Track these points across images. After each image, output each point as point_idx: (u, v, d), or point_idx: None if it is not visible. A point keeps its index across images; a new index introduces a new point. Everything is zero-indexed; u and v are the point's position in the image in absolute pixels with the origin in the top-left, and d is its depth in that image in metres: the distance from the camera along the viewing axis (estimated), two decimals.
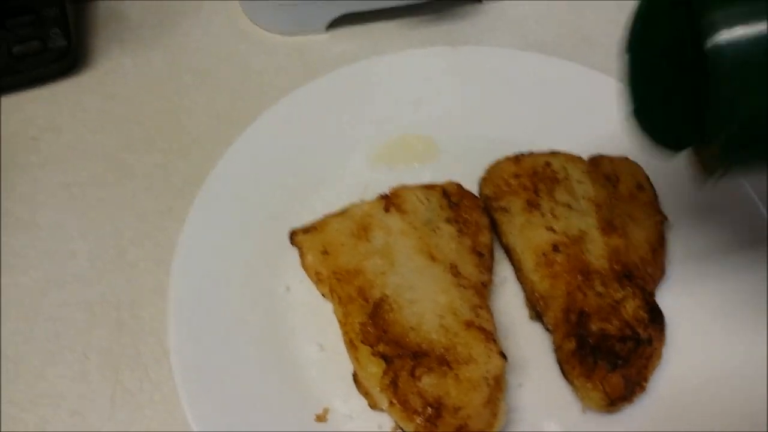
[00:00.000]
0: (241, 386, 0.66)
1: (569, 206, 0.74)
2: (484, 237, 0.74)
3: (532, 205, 0.74)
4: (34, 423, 0.67)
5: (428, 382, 0.63)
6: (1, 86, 0.88)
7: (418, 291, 0.68)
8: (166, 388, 0.69)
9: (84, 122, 0.87)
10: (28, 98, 0.88)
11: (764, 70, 0.48)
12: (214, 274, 0.72)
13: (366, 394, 0.66)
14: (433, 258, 0.70)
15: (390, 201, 0.74)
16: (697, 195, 0.74)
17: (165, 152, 0.84)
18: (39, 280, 0.75)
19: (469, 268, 0.70)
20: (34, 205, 0.80)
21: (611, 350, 0.65)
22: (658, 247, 0.72)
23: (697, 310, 0.71)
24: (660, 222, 0.73)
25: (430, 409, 0.62)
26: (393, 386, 0.63)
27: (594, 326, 0.66)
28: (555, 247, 0.71)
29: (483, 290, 0.70)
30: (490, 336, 0.65)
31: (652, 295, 0.69)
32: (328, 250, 0.71)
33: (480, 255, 0.72)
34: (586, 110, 0.81)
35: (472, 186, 0.77)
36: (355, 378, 0.67)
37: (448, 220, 0.73)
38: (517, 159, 0.77)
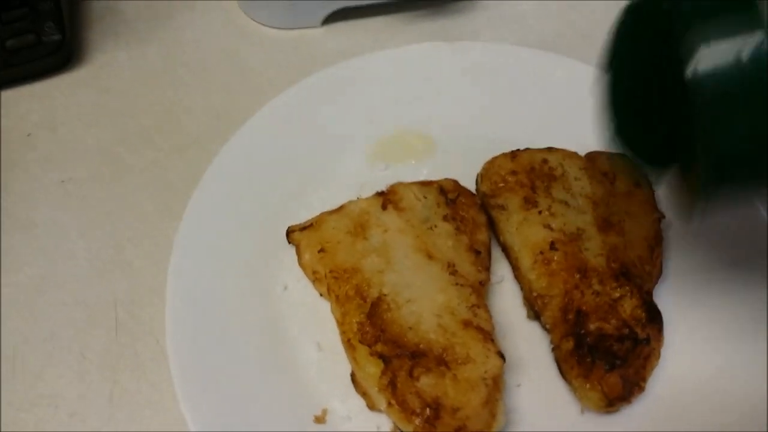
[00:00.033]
0: (239, 386, 0.66)
1: (566, 203, 0.73)
2: (482, 235, 0.74)
3: (529, 203, 0.73)
4: (33, 423, 0.68)
5: (426, 383, 0.63)
6: None
7: (415, 290, 0.68)
8: (164, 389, 0.69)
9: (79, 118, 0.86)
10: (23, 94, 0.88)
11: (744, 101, 0.48)
12: (211, 273, 0.72)
13: (364, 394, 0.66)
14: (430, 256, 0.70)
15: (387, 198, 0.74)
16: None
17: (161, 148, 0.84)
18: (36, 279, 0.75)
19: (466, 266, 0.70)
20: (30, 203, 0.80)
21: (609, 350, 0.65)
22: (656, 245, 0.72)
23: (695, 310, 0.71)
24: (657, 219, 0.73)
25: (428, 410, 0.62)
26: (391, 386, 0.63)
27: (592, 325, 0.66)
28: (552, 245, 0.70)
29: (480, 289, 0.70)
30: (488, 336, 0.65)
31: (649, 294, 0.69)
32: (325, 248, 0.71)
33: (477, 253, 0.72)
34: (584, 107, 0.80)
35: (469, 182, 0.77)
36: (353, 378, 0.67)
37: (446, 218, 0.73)
38: (514, 155, 0.77)
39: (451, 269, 0.69)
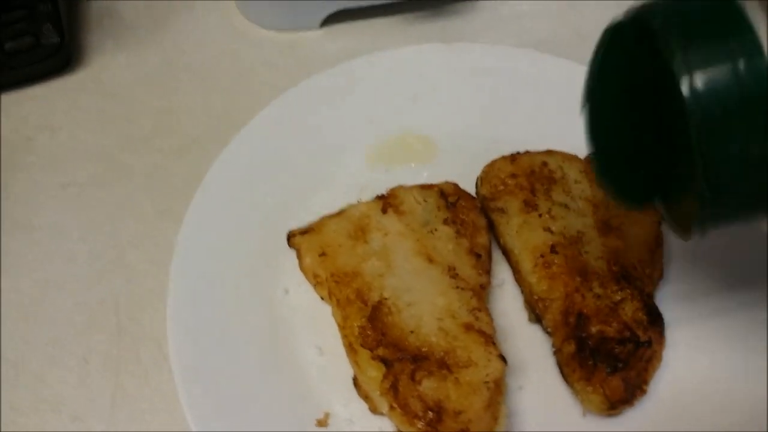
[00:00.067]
0: (241, 390, 0.66)
1: (566, 206, 0.73)
2: (482, 238, 0.74)
3: (529, 206, 0.73)
4: (35, 427, 0.68)
5: (428, 386, 0.63)
6: None
7: (416, 293, 0.68)
8: (166, 392, 0.68)
9: (79, 121, 0.86)
10: (23, 97, 0.88)
11: (743, 122, 0.47)
12: (212, 276, 0.72)
13: (366, 397, 0.66)
14: (430, 260, 0.70)
15: (387, 202, 0.74)
16: None
17: (161, 151, 0.84)
18: (38, 283, 0.75)
19: (467, 269, 0.70)
20: (31, 206, 0.80)
21: (611, 353, 0.65)
22: (656, 248, 0.72)
23: (697, 312, 0.71)
24: (658, 222, 0.73)
25: (430, 413, 0.62)
26: (393, 390, 0.63)
27: (593, 328, 0.66)
28: (552, 248, 0.71)
29: (481, 292, 0.70)
30: (489, 339, 0.66)
31: (650, 296, 0.69)
32: (326, 252, 0.71)
33: (478, 256, 0.72)
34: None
35: (469, 185, 0.77)
36: (355, 382, 0.67)
37: (446, 222, 0.73)
38: (513, 158, 0.77)
39: (452, 272, 0.70)
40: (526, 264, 0.71)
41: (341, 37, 0.94)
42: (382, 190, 0.75)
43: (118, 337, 0.72)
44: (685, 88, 0.47)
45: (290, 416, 0.66)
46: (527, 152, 0.78)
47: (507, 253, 0.74)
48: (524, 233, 0.72)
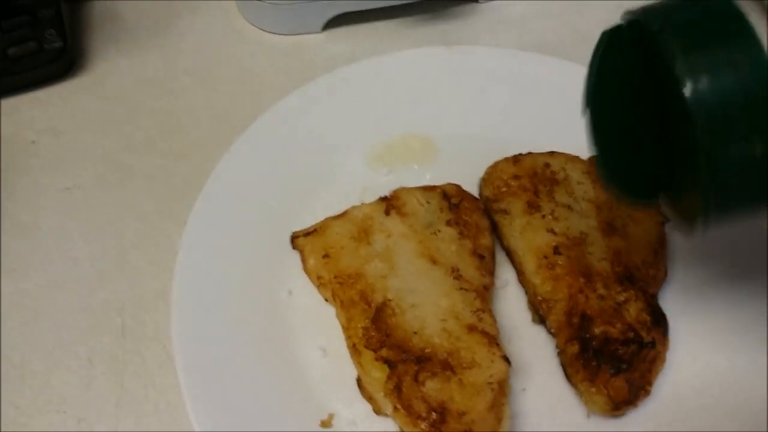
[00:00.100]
0: (246, 392, 0.66)
1: (569, 207, 0.74)
2: (485, 239, 0.74)
3: (533, 207, 0.74)
4: (40, 428, 0.67)
5: (432, 387, 0.63)
6: None
7: (419, 295, 0.68)
8: (170, 394, 0.68)
9: (82, 124, 0.87)
10: (26, 101, 0.88)
11: (746, 121, 0.47)
12: (215, 278, 0.72)
13: (370, 399, 0.66)
14: (434, 261, 0.70)
15: (390, 203, 0.74)
16: None
17: (164, 154, 0.84)
18: (42, 286, 0.75)
19: (470, 271, 0.70)
20: (34, 209, 0.80)
21: (614, 354, 0.65)
22: (660, 249, 0.72)
23: (700, 313, 0.71)
24: (661, 223, 0.73)
25: (434, 414, 0.62)
26: (397, 391, 0.63)
27: (597, 329, 0.66)
28: (556, 250, 0.71)
29: (485, 293, 0.70)
30: (493, 340, 0.66)
31: (654, 297, 0.69)
32: (330, 254, 0.71)
33: (481, 258, 0.72)
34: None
35: (471, 187, 0.78)
36: (359, 383, 0.67)
37: (449, 223, 0.73)
38: (516, 160, 0.77)
39: (455, 274, 0.70)
40: (530, 265, 0.71)
41: (343, 40, 0.94)
42: (385, 191, 0.75)
43: (123, 339, 0.72)
44: (687, 91, 0.47)
45: (294, 417, 0.66)
46: (530, 153, 0.78)
47: (510, 255, 0.74)
48: (527, 234, 0.73)
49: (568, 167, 0.77)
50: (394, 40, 0.94)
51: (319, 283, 0.72)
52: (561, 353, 0.68)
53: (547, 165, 0.77)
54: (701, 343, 0.69)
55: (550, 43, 0.93)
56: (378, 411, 0.66)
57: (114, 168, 0.83)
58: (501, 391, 0.63)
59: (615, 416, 0.66)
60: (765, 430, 0.64)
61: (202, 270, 0.72)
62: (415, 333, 0.66)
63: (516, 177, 0.76)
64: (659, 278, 0.71)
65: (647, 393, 0.65)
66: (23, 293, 0.74)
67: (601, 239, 0.71)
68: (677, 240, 0.74)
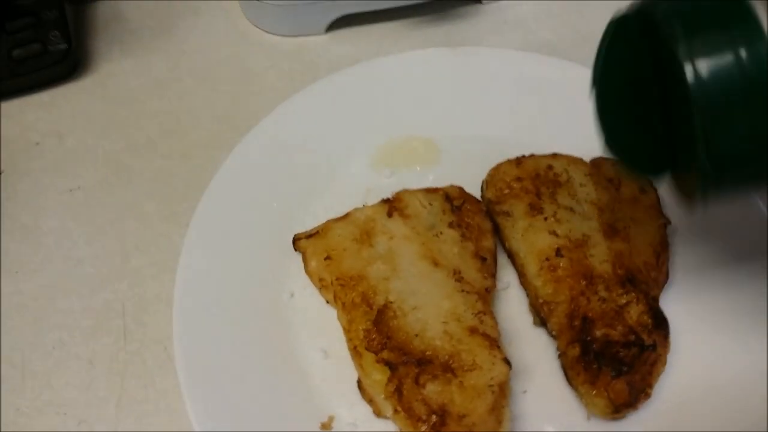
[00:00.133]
0: (247, 394, 0.66)
1: (572, 210, 0.73)
2: (487, 241, 0.74)
3: (535, 209, 0.74)
4: (41, 430, 0.68)
5: (433, 390, 0.63)
6: (1, 90, 0.88)
7: (421, 297, 0.68)
8: (171, 395, 0.69)
9: (86, 126, 0.87)
10: (30, 103, 0.88)
11: (744, 102, 0.48)
12: (217, 280, 0.72)
13: (371, 401, 0.66)
14: (436, 263, 0.70)
15: (393, 205, 0.74)
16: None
17: (166, 155, 0.84)
18: (43, 287, 0.75)
19: (472, 273, 0.70)
20: (37, 211, 0.80)
21: (615, 356, 0.65)
22: (662, 251, 0.72)
23: (701, 315, 0.71)
24: (663, 225, 0.73)
25: (434, 417, 0.62)
26: (397, 393, 0.63)
27: (598, 332, 0.66)
28: (558, 252, 0.71)
29: (486, 296, 0.70)
30: (494, 342, 0.65)
31: (656, 300, 0.69)
32: (332, 256, 0.71)
33: (483, 260, 0.72)
34: (588, 112, 0.81)
35: (474, 189, 0.77)
36: (360, 385, 0.67)
37: (451, 225, 0.73)
38: (519, 162, 0.77)
39: (457, 276, 0.70)
40: (532, 267, 0.71)
41: (347, 41, 0.94)
42: (388, 193, 0.75)
43: (124, 341, 0.72)
44: (688, 74, 0.48)
45: (294, 419, 0.66)
46: (532, 155, 0.78)
47: (512, 257, 0.74)
48: (529, 236, 0.72)
49: (571, 169, 0.76)
50: (398, 41, 0.94)
51: (321, 285, 0.71)
52: (562, 356, 0.68)
53: (550, 167, 0.76)
54: (702, 346, 0.69)
55: (554, 44, 0.93)
56: (378, 413, 0.66)
57: (116, 169, 0.83)
58: (502, 394, 0.63)
59: (615, 419, 0.65)
60: None
61: (203, 271, 0.72)
62: (417, 335, 0.66)
63: (518, 179, 0.76)
64: (661, 281, 0.71)
65: (648, 396, 0.65)
66: (24, 294, 0.75)
67: (603, 242, 0.71)
68: (679, 243, 0.74)
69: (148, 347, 0.72)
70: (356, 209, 0.74)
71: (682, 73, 0.48)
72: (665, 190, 0.74)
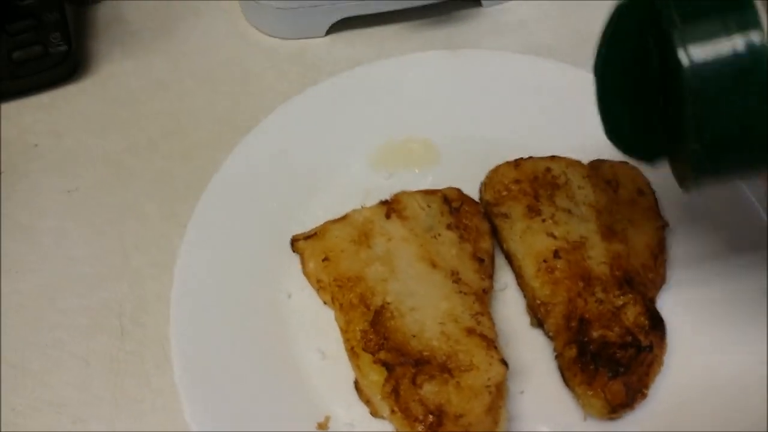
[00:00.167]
0: (244, 393, 0.66)
1: (570, 212, 0.73)
2: (485, 243, 0.74)
3: (533, 211, 0.74)
4: (36, 429, 0.68)
5: (430, 390, 0.63)
6: (1, 92, 0.88)
7: (419, 298, 0.68)
8: (168, 395, 0.68)
9: (86, 127, 0.87)
10: (29, 104, 0.89)
11: (736, 87, 0.49)
12: (215, 280, 0.72)
13: (367, 401, 0.66)
14: (434, 265, 0.70)
15: (391, 207, 0.74)
16: (698, 200, 0.74)
17: (167, 157, 0.84)
18: (41, 287, 0.75)
19: (470, 274, 0.70)
20: (35, 211, 0.80)
21: (612, 357, 0.65)
22: (659, 253, 0.72)
23: (698, 317, 0.71)
24: (661, 227, 0.73)
25: (431, 417, 0.62)
26: (394, 394, 0.63)
27: (595, 333, 0.66)
28: (556, 254, 0.71)
29: (484, 297, 0.70)
30: (491, 343, 0.65)
31: (653, 301, 0.69)
32: (329, 257, 0.71)
33: (481, 261, 0.72)
34: (587, 114, 0.81)
35: (472, 191, 0.77)
36: (357, 385, 0.67)
37: (449, 227, 0.73)
38: (517, 164, 0.77)
39: (455, 277, 0.70)
40: (529, 269, 0.71)
41: (347, 44, 0.95)
42: (386, 195, 0.75)
43: (121, 340, 0.72)
44: (682, 59, 0.49)
45: (291, 419, 0.66)
46: (531, 158, 0.78)
47: (510, 258, 0.74)
48: (527, 238, 0.73)
49: (569, 172, 0.76)
50: (398, 43, 0.94)
51: (319, 286, 0.72)
52: (559, 356, 0.68)
53: (548, 169, 0.76)
54: (699, 347, 0.69)
55: (554, 46, 0.93)
56: (375, 414, 0.66)
57: (115, 170, 0.83)
58: (498, 394, 0.63)
59: (612, 419, 0.65)
60: None
61: (201, 272, 0.72)
62: (414, 336, 0.66)
63: (517, 181, 0.76)
64: (658, 282, 0.71)
65: (644, 396, 0.65)
66: (22, 293, 0.75)
67: (601, 243, 0.71)
68: (676, 245, 0.74)
69: (145, 347, 0.72)
70: (354, 211, 0.74)
71: (676, 58, 0.49)
72: (663, 192, 0.74)
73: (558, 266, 0.70)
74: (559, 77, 0.85)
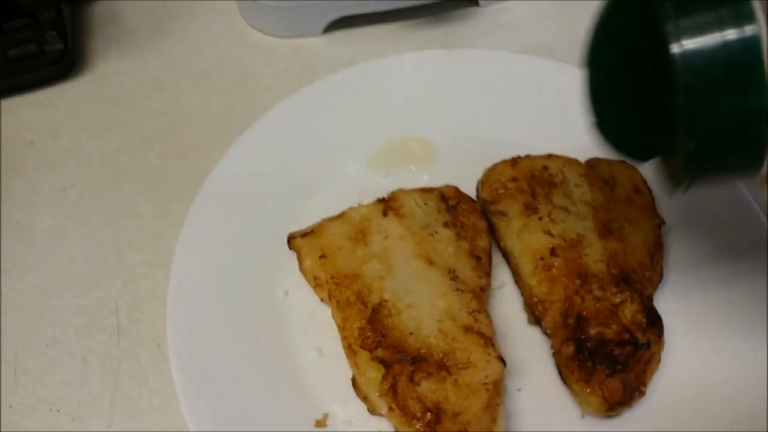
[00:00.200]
0: (241, 391, 0.66)
1: (567, 210, 0.73)
2: (482, 241, 0.74)
3: (530, 209, 0.74)
4: (34, 428, 0.67)
5: (427, 387, 0.63)
6: None
7: (416, 295, 0.68)
8: (165, 394, 0.69)
9: (81, 126, 0.87)
10: (25, 102, 0.88)
11: (729, 82, 0.48)
12: (212, 278, 0.72)
13: (365, 399, 0.66)
14: (431, 262, 0.70)
15: (388, 205, 0.74)
16: (695, 199, 0.74)
17: (162, 156, 0.84)
18: (37, 285, 0.75)
19: (467, 272, 0.70)
20: (31, 210, 0.80)
21: (610, 355, 0.65)
22: (656, 251, 0.72)
23: (696, 314, 0.71)
24: (657, 225, 0.73)
25: (429, 414, 0.62)
26: (392, 391, 0.63)
27: (592, 330, 0.66)
28: (553, 251, 0.71)
29: (481, 294, 0.70)
30: (488, 341, 0.65)
31: (650, 299, 0.69)
32: (326, 255, 0.71)
33: (478, 259, 0.72)
34: (583, 113, 0.81)
35: (469, 189, 0.77)
36: (354, 383, 0.67)
37: (446, 224, 0.73)
38: (515, 162, 0.77)
39: (452, 275, 0.70)
40: (527, 267, 0.71)
41: (343, 43, 0.95)
42: (383, 193, 0.75)
43: (118, 339, 0.72)
44: (674, 52, 0.48)
45: (289, 417, 0.66)
46: (528, 156, 0.78)
47: (507, 256, 0.74)
48: (524, 236, 0.73)
49: (566, 170, 0.77)
50: (395, 43, 0.94)
51: (316, 283, 0.71)
52: (556, 354, 0.68)
53: (545, 168, 0.77)
54: (696, 345, 0.69)
55: (551, 46, 0.93)
56: (373, 411, 0.66)
57: (111, 169, 0.83)
58: (496, 392, 0.63)
59: (610, 417, 0.65)
60: (760, 430, 0.63)
61: (198, 270, 0.72)
62: (411, 333, 0.65)
63: (514, 179, 0.76)
64: (655, 280, 0.71)
65: (642, 394, 0.65)
66: (18, 292, 0.75)
67: (598, 241, 0.71)
68: (673, 242, 0.74)
69: (142, 345, 0.72)
70: (351, 208, 0.74)
71: (668, 50, 0.48)
72: (660, 190, 0.74)
73: (555, 264, 0.70)
74: (556, 76, 0.85)
